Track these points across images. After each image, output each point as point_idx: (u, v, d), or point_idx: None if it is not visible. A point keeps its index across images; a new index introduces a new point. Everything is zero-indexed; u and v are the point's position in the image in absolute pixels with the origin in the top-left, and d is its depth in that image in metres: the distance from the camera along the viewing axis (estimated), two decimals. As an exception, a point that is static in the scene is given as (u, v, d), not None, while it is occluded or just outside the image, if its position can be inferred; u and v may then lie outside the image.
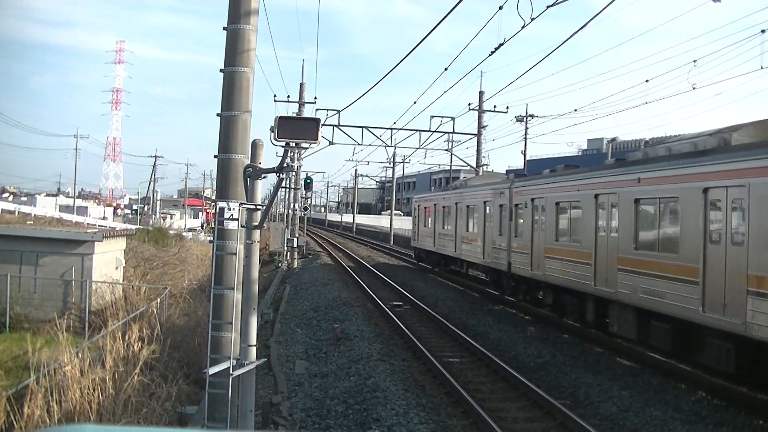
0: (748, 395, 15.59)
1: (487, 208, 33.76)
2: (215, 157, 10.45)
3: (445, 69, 29.86)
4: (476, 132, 52.86)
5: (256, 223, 10.53)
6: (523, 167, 73.55)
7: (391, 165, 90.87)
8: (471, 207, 36.95)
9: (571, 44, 46.86)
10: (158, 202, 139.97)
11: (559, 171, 27.56)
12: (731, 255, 15.48)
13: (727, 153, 16.37)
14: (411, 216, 71.22)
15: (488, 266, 34.18)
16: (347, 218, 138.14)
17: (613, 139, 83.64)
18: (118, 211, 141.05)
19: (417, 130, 50.12)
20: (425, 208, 48.13)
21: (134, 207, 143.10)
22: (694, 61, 50.60)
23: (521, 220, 28.97)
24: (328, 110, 46.59)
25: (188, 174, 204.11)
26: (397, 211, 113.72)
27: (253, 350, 10.48)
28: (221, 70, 10.39)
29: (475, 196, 36.53)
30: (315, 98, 52.07)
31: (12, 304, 26.81)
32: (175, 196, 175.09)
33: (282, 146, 9.79)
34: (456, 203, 39.53)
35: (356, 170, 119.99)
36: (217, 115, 10.41)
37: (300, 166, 52.03)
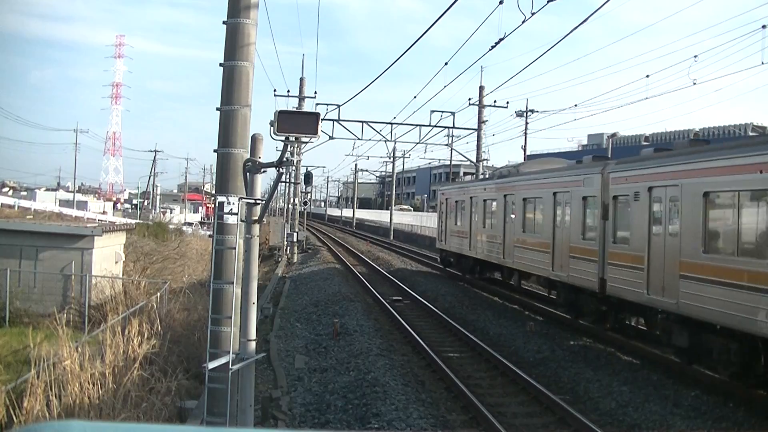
0: (748, 391, 15.57)
1: (560, 201, 25.53)
2: (215, 151, 10.44)
3: (445, 64, 29.82)
4: (476, 127, 52.81)
5: (256, 218, 10.52)
6: (523, 162, 73.45)
7: (391, 160, 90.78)
8: (530, 200, 28.56)
9: (571, 39, 46.41)
10: (158, 197, 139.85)
11: (688, 148, 19.14)
12: None
13: None
14: (432, 211, 68.88)
15: (561, 281, 25.18)
16: (347, 213, 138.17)
17: (614, 135, 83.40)
18: (118, 205, 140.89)
19: (417, 125, 50.04)
20: (456, 202, 38.95)
21: (134, 201, 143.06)
22: (695, 56, 50.67)
23: (627, 219, 20.70)
24: (328, 105, 46.58)
25: (188, 168, 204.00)
26: (407, 207, 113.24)
27: (253, 345, 10.48)
28: (221, 65, 10.37)
29: (536, 186, 28.02)
30: (315, 93, 52.08)
31: (12, 299, 26.81)
32: (175, 191, 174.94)
33: (282, 140, 9.78)
34: (505, 195, 31.09)
35: (356, 165, 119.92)
36: (217, 109, 10.39)
37: (300, 161, 52.06)
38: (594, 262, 22.05)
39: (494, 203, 32.94)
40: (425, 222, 74.23)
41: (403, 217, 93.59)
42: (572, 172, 25.24)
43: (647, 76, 66.30)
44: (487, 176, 41.39)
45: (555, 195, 25.79)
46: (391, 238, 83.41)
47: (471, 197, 36.23)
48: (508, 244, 30.30)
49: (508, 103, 52.59)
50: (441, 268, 43.10)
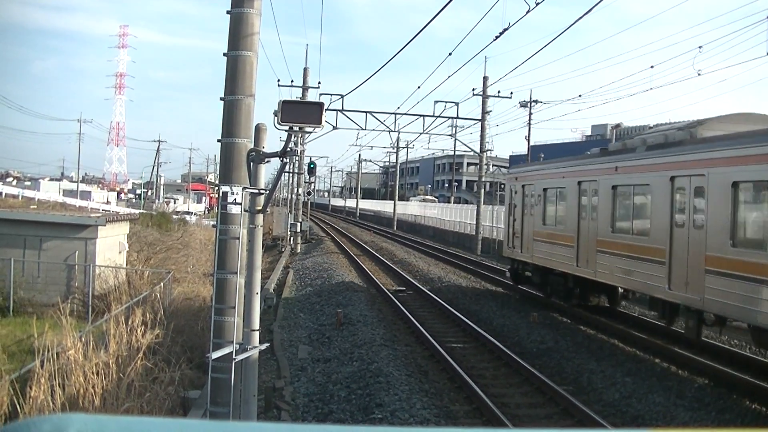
0: (751, 382, 15.56)
1: None
2: (219, 141, 10.41)
3: (449, 54, 29.99)
4: (480, 117, 52.78)
5: (260, 208, 10.50)
6: (526, 153, 73.49)
7: (395, 150, 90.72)
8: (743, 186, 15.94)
9: (575, 30, 46.35)
10: (162, 187, 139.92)
11: None
12: None
13: None
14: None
15: None
16: (351, 203, 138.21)
17: (618, 125, 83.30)
18: (122, 195, 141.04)
19: (421, 115, 50.03)
20: (545, 190, 26.81)
21: (138, 191, 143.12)
22: (700, 47, 50.32)
23: None
24: (331, 95, 46.51)
25: (192, 158, 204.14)
26: (431, 197, 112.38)
27: (256, 335, 10.47)
28: (224, 54, 10.34)
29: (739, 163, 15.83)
30: (319, 83, 52.23)
31: (16, 288, 26.81)
32: (179, 181, 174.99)
33: (285, 130, 9.75)
34: (673, 178, 18.07)
35: (360, 155, 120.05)
36: (221, 99, 10.36)
37: (303, 151, 52.05)
38: None
39: (647, 193, 19.77)
40: (451, 216, 72.53)
41: (427, 210, 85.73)
42: None
43: (651, 67, 66.46)
44: (597, 149, 25.12)
45: None
46: (395, 228, 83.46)
47: (580, 182, 23.65)
48: (694, 262, 17.03)
49: (512, 93, 52.68)
50: (567, 307, 25.38)
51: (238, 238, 10.01)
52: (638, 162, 20.11)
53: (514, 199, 29.64)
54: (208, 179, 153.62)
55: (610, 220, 21.58)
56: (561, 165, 26.40)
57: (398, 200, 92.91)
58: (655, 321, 21.54)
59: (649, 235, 19.23)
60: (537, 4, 19.99)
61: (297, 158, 53.83)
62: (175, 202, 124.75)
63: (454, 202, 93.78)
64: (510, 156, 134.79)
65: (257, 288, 10.62)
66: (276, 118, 9.47)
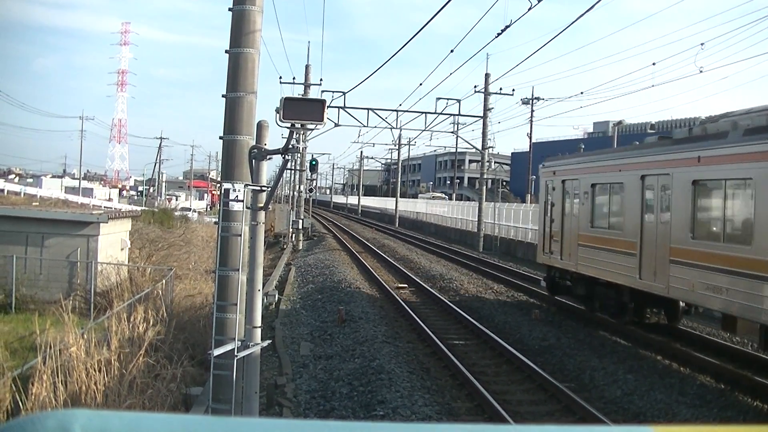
0: (753, 379, 15.56)
1: None
2: (220, 138, 10.42)
3: (451, 51, 29.92)
4: (482, 114, 52.76)
5: (262, 205, 10.50)
6: (528, 150, 73.45)
7: (397, 147, 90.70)
8: None
9: (577, 27, 46.41)
10: (164, 184, 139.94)
11: None
12: None
13: None
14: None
15: None
16: (352, 200, 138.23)
17: (619, 123, 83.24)
18: (124, 192, 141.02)
19: (422, 113, 50.06)
20: (593, 186, 22.85)
21: (140, 188, 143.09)
22: (701, 44, 50.35)
23: None
24: (333, 92, 46.49)
25: (193, 155, 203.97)
26: (440, 194, 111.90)
27: (258, 332, 10.48)
28: (226, 52, 10.35)
29: None
30: (320, 80, 52.11)
31: (18, 285, 26.82)
32: (181, 178, 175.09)
33: (287, 127, 9.75)
34: (761, 174, 15.10)
35: (361, 152, 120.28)
36: (223, 96, 10.37)
37: (305, 148, 51.99)
38: None
39: (747, 189, 15.84)
40: (453, 213, 72.24)
41: (434, 207, 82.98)
42: None
43: (653, 64, 66.34)
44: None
45: None
46: (397, 225, 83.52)
47: (644, 176, 19.77)
48: None
49: (513, 90, 52.74)
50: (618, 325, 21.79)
51: (240, 235, 10.02)
52: (733, 150, 15.92)
53: (552, 196, 25.69)
54: (210, 176, 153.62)
55: (689, 223, 17.47)
56: (617, 156, 22.44)
57: (403, 198, 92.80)
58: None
59: (751, 243, 15.17)
60: (539, 1, 19.99)
61: (299, 155, 53.76)
62: (177, 199, 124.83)
63: (455, 199, 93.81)
64: (512, 153, 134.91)
65: (259, 285, 10.62)
66: (278, 115, 9.47)
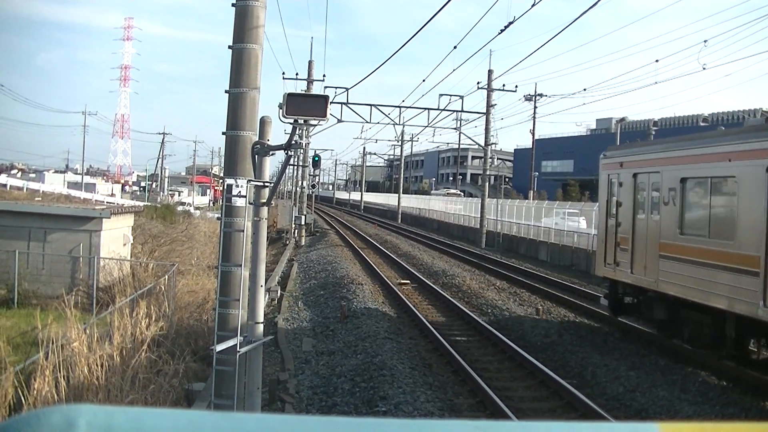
0: (755, 376, 15.55)
1: None
2: (223, 134, 10.42)
3: (454, 47, 29.96)
4: (485, 111, 52.73)
5: (264, 201, 10.51)
6: (531, 146, 73.46)
7: (400, 143, 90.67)
8: None
9: (580, 24, 46.31)
10: (166, 179, 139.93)
11: None
12: None
13: None
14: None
15: None
16: (355, 196, 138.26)
17: (622, 119, 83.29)
18: (126, 188, 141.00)
19: (425, 109, 50.00)
20: (682, 183, 18.03)
21: (142, 184, 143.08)
22: (705, 41, 50.37)
23: None
24: (336, 88, 46.46)
25: (196, 151, 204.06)
26: (455, 190, 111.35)
27: (260, 327, 10.49)
28: (230, 47, 10.34)
29: None
30: (323, 76, 51.92)
31: (20, 280, 26.85)
32: (184, 173, 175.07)
33: (290, 123, 9.75)
34: None
35: (364, 148, 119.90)
36: (226, 92, 10.37)
37: (308, 144, 52.02)
38: None
39: None
40: (455, 209, 72.03)
41: (449, 204, 78.17)
42: None
43: (656, 61, 66.27)
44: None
45: None
46: (399, 221, 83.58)
47: None
48: None
49: (516, 87, 52.68)
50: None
51: (243, 231, 10.02)
52: None
53: (618, 194, 21.19)
54: (213, 172, 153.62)
55: None
56: (723, 141, 17.12)
57: (406, 194, 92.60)
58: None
59: None
60: (542, -3, 19.96)
61: (301, 151, 53.79)
62: (179, 195, 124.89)
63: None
64: (515, 150, 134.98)
65: (262, 280, 10.63)
66: (281, 110, 9.48)
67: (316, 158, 55.46)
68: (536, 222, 49.48)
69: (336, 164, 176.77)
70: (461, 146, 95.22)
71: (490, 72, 52.70)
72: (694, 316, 17.31)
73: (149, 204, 68.61)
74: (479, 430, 1.34)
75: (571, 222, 46.54)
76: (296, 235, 54.01)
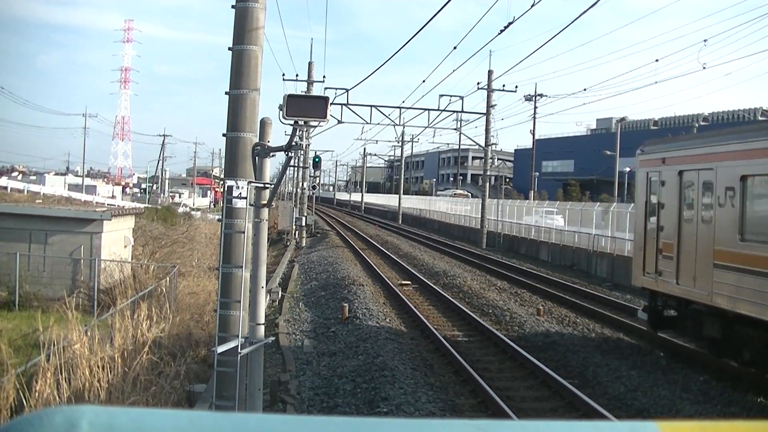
0: (756, 375, 15.54)
1: None
2: (224, 135, 10.42)
3: (454, 48, 29.98)
4: (485, 111, 52.74)
5: (265, 202, 10.52)
6: (531, 146, 73.49)
7: (400, 144, 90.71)
8: None
9: (580, 23, 46.40)
10: (167, 181, 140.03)
11: None
12: None
13: None
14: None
15: None
16: (356, 197, 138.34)
17: (623, 119, 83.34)
18: (127, 189, 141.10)
19: (426, 109, 50.00)
20: (742, 181, 15.31)
21: (143, 186, 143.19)
22: (705, 40, 50.38)
23: None
24: (336, 89, 46.45)
25: (197, 153, 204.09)
26: (462, 191, 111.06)
27: (262, 329, 10.50)
28: (229, 49, 10.34)
29: None
30: (323, 77, 51.96)
31: (21, 283, 26.85)
32: (184, 175, 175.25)
33: (291, 125, 9.76)
34: None
35: (365, 149, 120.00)
36: (226, 93, 10.37)
37: (308, 145, 51.99)
38: None
39: None
40: (456, 210, 71.84)
41: (457, 206, 76.21)
42: None
43: (656, 61, 66.31)
44: None
45: None
46: (400, 222, 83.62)
47: None
48: None
49: (516, 87, 52.68)
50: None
51: (244, 232, 10.03)
52: None
53: (660, 193, 18.68)
54: (213, 173, 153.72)
55: None
56: None
57: (407, 194, 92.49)
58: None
59: None
60: (542, -3, 19.96)
61: (302, 152, 53.78)
62: (180, 197, 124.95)
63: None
64: (515, 150, 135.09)
65: (263, 282, 10.64)
66: (281, 112, 9.48)
67: (317, 159, 55.57)
68: (537, 222, 49.75)
69: (336, 165, 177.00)
70: (462, 147, 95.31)
71: (490, 72, 52.74)
72: (757, 335, 14.99)
73: (150, 206, 68.64)
74: (479, 429, 1.35)
75: (549, 220, 49.55)
76: (297, 236, 54.02)
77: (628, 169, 72.78)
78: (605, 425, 1.57)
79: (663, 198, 18.46)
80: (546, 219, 49.82)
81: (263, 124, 10.69)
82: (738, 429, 1.50)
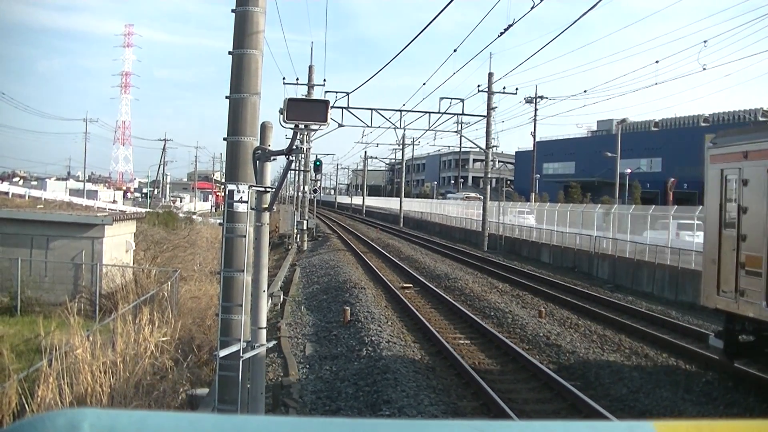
0: (758, 376, 15.52)
1: None
2: (224, 139, 10.43)
3: (454, 50, 29.84)
4: (486, 113, 52.75)
5: (266, 206, 10.52)
6: (532, 148, 73.49)
7: (401, 147, 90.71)
8: None
9: (580, 25, 46.42)
10: (168, 186, 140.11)
11: None
12: None
13: None
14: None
15: None
16: (357, 200, 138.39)
17: (623, 120, 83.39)
18: (128, 194, 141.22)
19: (426, 112, 50.07)
20: None
21: (144, 190, 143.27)
22: (705, 41, 50.31)
23: None
24: (337, 92, 46.50)
25: (197, 157, 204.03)
26: (474, 194, 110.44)
27: (263, 333, 10.50)
28: (230, 53, 10.36)
29: None
30: (324, 81, 51.97)
31: (23, 288, 26.87)
32: (185, 179, 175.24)
33: (291, 128, 9.76)
34: None
35: (365, 152, 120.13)
36: (226, 97, 10.38)
37: (309, 149, 52.06)
38: None
39: None
40: (457, 212, 71.61)
41: (469, 209, 71.17)
42: None
43: (657, 62, 66.42)
44: None
45: None
46: (401, 225, 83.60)
47: None
48: None
49: (517, 89, 52.72)
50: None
51: (245, 236, 10.03)
52: None
53: (742, 195, 15.24)
54: (214, 177, 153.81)
55: None
56: None
57: (408, 197, 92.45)
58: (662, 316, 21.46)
59: None
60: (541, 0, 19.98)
61: (303, 156, 53.85)
62: (181, 201, 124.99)
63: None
64: (516, 152, 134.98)
65: (264, 286, 10.64)
66: (282, 116, 9.49)
67: (318, 163, 55.60)
68: (539, 224, 49.91)
69: (337, 169, 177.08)
70: (462, 149, 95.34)
71: (490, 75, 52.74)
72: None
73: (151, 210, 68.63)
74: (478, 429, 1.36)
75: (522, 219, 55.72)
76: (298, 239, 54.00)
77: (629, 171, 72.89)
78: (602, 425, 1.58)
79: (746, 201, 15.08)
80: (519, 218, 56.47)
81: (264, 127, 10.70)
82: (734, 428, 1.51)
